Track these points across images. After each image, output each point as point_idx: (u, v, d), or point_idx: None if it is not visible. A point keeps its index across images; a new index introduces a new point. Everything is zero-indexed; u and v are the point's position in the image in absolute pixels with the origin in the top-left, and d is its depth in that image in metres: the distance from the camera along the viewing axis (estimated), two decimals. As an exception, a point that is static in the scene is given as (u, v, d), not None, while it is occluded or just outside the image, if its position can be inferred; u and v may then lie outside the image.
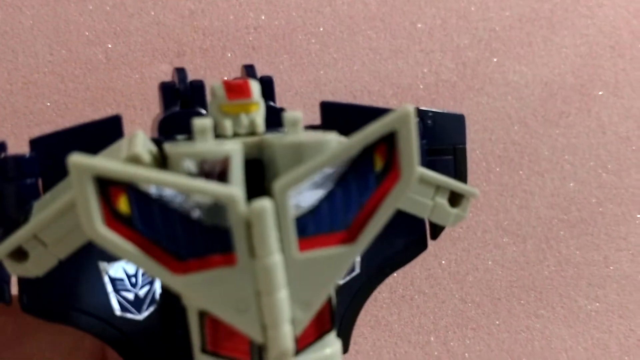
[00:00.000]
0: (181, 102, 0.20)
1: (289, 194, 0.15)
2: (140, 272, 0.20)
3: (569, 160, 0.45)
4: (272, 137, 0.17)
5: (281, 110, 0.20)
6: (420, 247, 0.23)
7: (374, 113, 0.17)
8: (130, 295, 0.20)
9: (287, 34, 0.43)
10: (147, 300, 0.20)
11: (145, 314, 0.20)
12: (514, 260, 0.43)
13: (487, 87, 0.45)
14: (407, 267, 0.42)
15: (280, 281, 0.15)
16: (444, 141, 0.22)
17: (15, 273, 0.17)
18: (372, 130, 0.15)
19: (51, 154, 0.19)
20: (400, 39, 0.44)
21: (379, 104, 0.44)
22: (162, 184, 0.14)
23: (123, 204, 0.15)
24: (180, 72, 0.21)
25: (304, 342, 0.17)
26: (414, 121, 0.15)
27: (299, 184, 0.15)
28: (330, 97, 0.43)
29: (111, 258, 0.19)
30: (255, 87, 0.18)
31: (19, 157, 0.18)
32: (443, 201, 0.20)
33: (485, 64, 0.45)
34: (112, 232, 0.14)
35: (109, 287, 0.19)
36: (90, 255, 0.19)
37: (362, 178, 0.16)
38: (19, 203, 0.19)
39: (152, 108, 0.41)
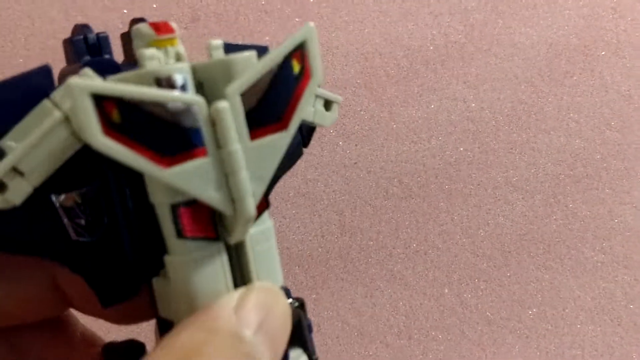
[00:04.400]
0: (90, 52, 0.23)
1: (238, 96, 0.19)
2: (87, 200, 0.22)
3: (574, 118, 0.46)
4: (200, 62, 0.21)
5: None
6: (299, 152, 0.28)
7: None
8: (82, 222, 0.22)
9: (301, -3, 0.44)
10: (97, 225, 0.23)
11: (95, 236, 0.23)
12: (523, 214, 0.45)
13: (494, 49, 0.46)
14: (421, 223, 0.44)
15: (241, 163, 0.20)
16: None
17: None
18: (290, 41, 0.20)
19: None
20: (410, 2, 0.45)
21: (390, 65, 0.45)
22: (147, 97, 0.18)
23: (115, 115, 0.18)
24: (85, 27, 0.24)
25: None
26: (316, 34, 0.20)
27: (244, 88, 0.20)
28: (342, 59, 0.44)
29: (61, 190, 0.22)
30: (175, 25, 0.22)
31: None
32: (320, 107, 0.26)
33: (492, 26, 0.46)
34: (110, 139, 0.18)
35: (63, 216, 0.22)
36: (44, 188, 0.21)
37: (286, 80, 0.20)
38: None
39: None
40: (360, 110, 0.44)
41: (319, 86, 0.22)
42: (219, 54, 0.22)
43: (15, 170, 0.19)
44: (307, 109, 0.25)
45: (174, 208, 0.20)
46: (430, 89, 0.45)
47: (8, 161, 0.19)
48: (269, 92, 0.20)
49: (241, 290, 0.20)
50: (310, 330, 0.24)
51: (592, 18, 0.47)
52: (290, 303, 0.23)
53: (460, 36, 0.46)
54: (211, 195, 0.20)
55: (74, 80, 0.17)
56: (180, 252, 0.21)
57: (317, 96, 0.26)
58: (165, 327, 0.22)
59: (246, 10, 0.44)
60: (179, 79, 0.20)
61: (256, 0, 0.44)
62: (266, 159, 0.20)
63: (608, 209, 0.46)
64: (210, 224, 0.21)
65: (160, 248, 0.21)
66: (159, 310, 0.22)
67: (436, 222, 0.44)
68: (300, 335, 0.23)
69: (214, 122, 0.19)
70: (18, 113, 0.20)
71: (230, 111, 0.19)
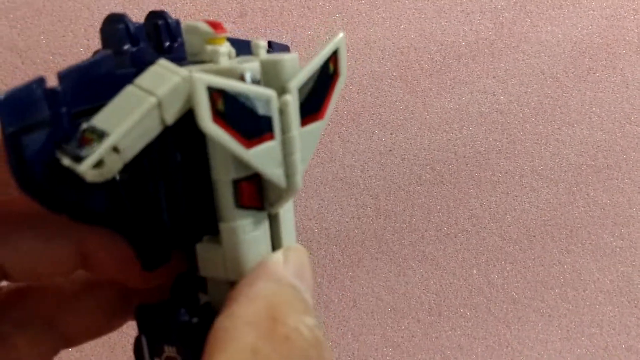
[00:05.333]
0: (132, 42, 0.26)
1: (297, 90, 0.23)
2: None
3: (596, 112, 0.49)
4: (247, 60, 0.25)
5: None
6: None
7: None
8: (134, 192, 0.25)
9: (344, -7, 0.47)
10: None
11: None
12: (547, 201, 0.48)
13: (522, 45, 0.48)
14: (452, 208, 0.46)
15: (298, 146, 0.24)
16: None
17: (90, 179, 0.21)
18: (330, 47, 0.25)
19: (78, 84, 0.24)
20: (444, 1, 0.48)
21: (424, 59, 0.48)
22: (243, 91, 0.23)
23: (220, 105, 0.22)
24: (122, 16, 0.26)
25: None
26: (345, 41, 0.25)
27: (302, 83, 0.24)
28: (379, 53, 0.47)
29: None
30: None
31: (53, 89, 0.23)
32: None
33: (521, 25, 0.49)
34: (216, 126, 0.22)
35: (122, 189, 0.25)
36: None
37: (324, 78, 0.25)
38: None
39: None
40: (396, 101, 0.47)
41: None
42: (264, 52, 0.25)
43: (114, 149, 0.22)
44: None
45: (235, 182, 0.24)
46: (461, 82, 0.48)
47: (111, 141, 0.22)
48: (314, 87, 0.24)
49: (282, 250, 0.24)
50: None
51: (614, 18, 0.50)
52: None
53: (490, 33, 0.48)
54: (274, 171, 0.24)
55: (197, 74, 0.20)
56: (236, 219, 0.24)
57: None
58: (204, 285, 0.26)
59: (290, 7, 0.46)
60: (257, 75, 0.24)
61: (300, -4, 0.46)
62: (309, 143, 0.25)
63: (627, 197, 0.48)
64: (259, 197, 0.25)
65: (201, 220, 0.25)
66: (200, 270, 0.25)
67: (466, 207, 0.47)
68: None
69: (281, 112, 0.23)
70: (93, 94, 0.24)
71: (294, 103, 0.23)
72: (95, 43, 0.44)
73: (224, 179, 0.24)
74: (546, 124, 0.48)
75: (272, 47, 0.30)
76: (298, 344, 0.20)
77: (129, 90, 0.22)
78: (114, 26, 0.26)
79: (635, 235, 0.48)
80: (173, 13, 0.45)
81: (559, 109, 0.49)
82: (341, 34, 0.25)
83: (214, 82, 0.21)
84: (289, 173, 0.24)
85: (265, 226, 0.25)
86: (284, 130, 0.24)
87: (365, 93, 0.47)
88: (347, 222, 0.46)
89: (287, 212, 0.26)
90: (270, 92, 0.23)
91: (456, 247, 0.47)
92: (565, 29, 0.49)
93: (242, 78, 0.23)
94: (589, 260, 0.48)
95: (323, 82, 0.25)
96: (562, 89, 0.49)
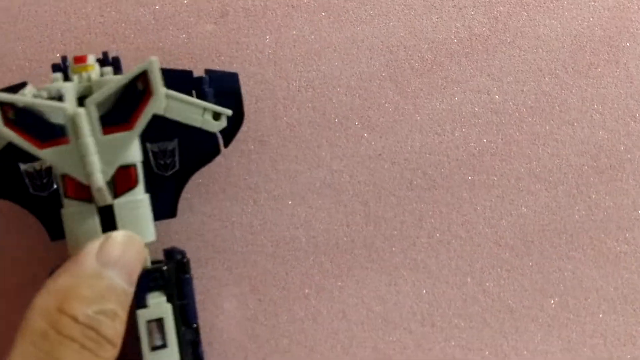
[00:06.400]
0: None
1: (94, 104, 0.30)
2: (44, 167, 0.34)
3: (598, 110, 0.46)
4: (96, 79, 0.34)
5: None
6: (216, 151, 0.38)
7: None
8: (38, 182, 0.34)
9: (327, -9, 0.45)
10: (48, 185, 0.34)
11: (47, 192, 0.34)
12: (545, 205, 0.45)
13: (518, 41, 0.46)
14: (445, 214, 0.44)
15: (91, 149, 0.29)
16: (223, 88, 0.37)
17: None
18: (134, 70, 0.30)
19: None
20: (434, -5, 0.46)
21: (415, 58, 0.46)
22: (33, 104, 0.29)
23: (10, 113, 0.29)
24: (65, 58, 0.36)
25: (120, 190, 0.32)
26: (157, 65, 0.30)
27: (98, 100, 0.30)
28: (367, 52, 0.45)
29: (26, 160, 0.34)
30: (91, 58, 0.34)
31: None
32: (209, 118, 0.35)
33: (517, 19, 0.46)
34: (7, 129, 0.29)
35: (25, 177, 0.34)
36: (12, 158, 0.34)
37: (131, 95, 0.30)
38: None
39: (198, 67, 0.43)
40: (385, 103, 0.45)
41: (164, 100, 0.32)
42: (94, 75, 0.33)
43: None
44: (195, 118, 0.34)
45: (63, 177, 0.32)
46: (454, 81, 0.45)
47: None
48: (119, 102, 0.30)
49: (103, 236, 0.30)
50: (189, 283, 0.35)
51: (617, 9, 0.47)
52: (172, 258, 0.35)
53: (484, 29, 0.46)
54: (72, 169, 0.30)
55: None
56: (66, 207, 0.32)
57: (205, 109, 0.34)
58: None
59: (274, 5, 0.45)
60: (60, 92, 0.30)
61: (283, -5, 0.45)
62: (115, 148, 0.30)
63: (631, 200, 0.46)
64: (87, 191, 0.30)
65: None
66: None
67: (459, 213, 0.45)
68: (166, 283, 0.33)
69: (73, 121, 0.29)
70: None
71: (86, 114, 0.29)
72: (72, 48, 0.43)
73: (55, 173, 0.33)
74: (544, 124, 0.46)
75: (210, 76, 0.37)
76: (75, 331, 0.25)
77: None
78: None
79: (641, 240, 0.46)
80: (152, 14, 0.44)
81: (557, 107, 0.46)
82: (152, 58, 0.30)
83: (2, 97, 0.29)
84: (87, 172, 0.29)
85: (94, 216, 0.31)
86: (78, 135, 0.29)
87: (353, 95, 0.45)
88: (336, 229, 0.44)
89: (128, 208, 0.32)
90: (65, 106, 0.30)
91: (449, 254, 0.45)
92: (564, 21, 0.46)
93: (55, 95, 0.31)
94: (591, 266, 0.46)
95: (131, 98, 0.30)
96: (561, 86, 0.46)
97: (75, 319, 0.26)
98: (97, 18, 0.43)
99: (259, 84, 0.44)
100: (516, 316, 0.45)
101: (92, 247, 0.29)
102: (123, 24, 0.43)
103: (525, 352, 0.45)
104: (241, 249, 0.44)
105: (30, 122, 0.29)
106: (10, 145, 0.30)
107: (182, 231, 0.43)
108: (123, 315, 0.28)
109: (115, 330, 0.27)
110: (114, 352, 0.27)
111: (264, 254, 0.44)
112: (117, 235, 0.29)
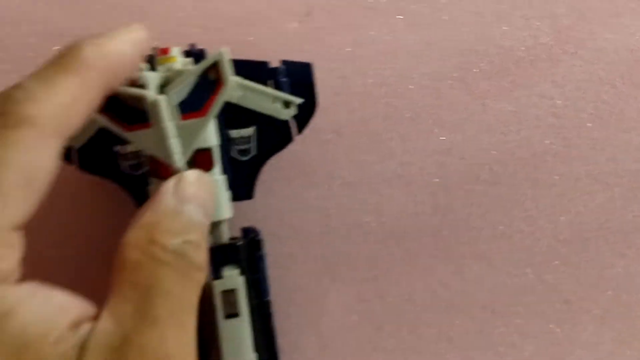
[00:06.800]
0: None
1: (172, 92, 0.33)
2: (135, 151, 0.38)
3: (652, 120, 0.50)
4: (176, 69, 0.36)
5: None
6: (289, 139, 0.39)
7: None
8: (131, 162, 0.38)
9: (409, -5, 0.48)
10: (140, 166, 0.38)
11: (139, 172, 0.38)
12: (602, 205, 0.48)
13: (580, 52, 0.49)
14: (508, 208, 0.47)
15: (170, 133, 0.32)
16: (297, 78, 0.39)
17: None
18: (206, 61, 0.34)
19: None
20: (503, 5, 0.49)
21: (484, 62, 0.49)
22: (121, 92, 0.32)
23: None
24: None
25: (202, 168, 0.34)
26: (227, 57, 0.33)
27: (177, 89, 0.33)
28: (439, 54, 0.48)
29: (123, 143, 0.37)
30: (174, 50, 0.36)
31: None
32: (279, 106, 0.37)
33: (579, 31, 0.50)
34: (102, 116, 0.33)
35: (122, 159, 0.38)
36: (110, 142, 0.37)
37: (205, 84, 0.33)
38: None
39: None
40: (455, 102, 0.48)
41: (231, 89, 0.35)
42: (188, 62, 0.36)
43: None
44: (266, 106, 0.37)
45: (149, 157, 0.35)
46: (520, 85, 0.49)
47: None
48: (194, 91, 0.33)
49: (175, 176, 0.31)
50: (261, 259, 0.37)
51: (671, 28, 0.50)
52: (247, 236, 0.37)
53: (548, 39, 0.49)
54: (155, 151, 0.32)
55: None
56: (152, 184, 0.35)
57: (275, 97, 0.37)
58: None
59: (353, 7, 0.48)
60: (143, 81, 0.32)
61: (364, -3, 0.48)
62: (192, 133, 0.33)
63: (681, 204, 0.49)
64: (169, 170, 0.33)
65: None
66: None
67: (522, 208, 0.48)
68: (239, 257, 0.35)
69: (153, 108, 0.32)
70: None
71: (165, 101, 0.32)
72: (166, 37, 0.46)
73: (143, 153, 0.37)
74: (602, 130, 0.49)
75: (285, 66, 0.39)
76: (168, 256, 0.27)
77: None
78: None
79: (689, 242, 0.49)
80: (242, 10, 0.46)
81: (615, 115, 0.49)
82: (222, 50, 0.33)
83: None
84: (167, 154, 0.32)
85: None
86: (158, 120, 0.32)
87: (425, 93, 0.48)
88: (405, 218, 0.47)
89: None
90: (146, 93, 0.32)
91: (511, 246, 0.48)
92: (622, 36, 0.50)
93: (138, 84, 0.32)
94: (642, 264, 0.49)
95: (204, 87, 0.33)
96: (619, 96, 0.49)
97: (165, 248, 0.27)
98: (192, 12, 0.46)
99: (337, 79, 0.47)
100: (571, 307, 0.48)
101: (168, 186, 0.30)
102: (217, 19, 0.46)
103: (578, 342, 0.47)
104: (316, 230, 0.46)
105: (118, 107, 0.32)
106: (104, 130, 0.34)
107: (261, 211, 0.46)
108: (204, 245, 0.30)
109: (202, 257, 0.29)
110: (203, 275, 0.29)
111: (337, 236, 0.46)
112: (189, 174, 0.31)
